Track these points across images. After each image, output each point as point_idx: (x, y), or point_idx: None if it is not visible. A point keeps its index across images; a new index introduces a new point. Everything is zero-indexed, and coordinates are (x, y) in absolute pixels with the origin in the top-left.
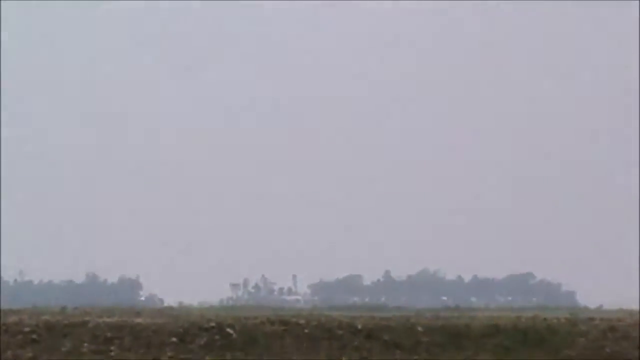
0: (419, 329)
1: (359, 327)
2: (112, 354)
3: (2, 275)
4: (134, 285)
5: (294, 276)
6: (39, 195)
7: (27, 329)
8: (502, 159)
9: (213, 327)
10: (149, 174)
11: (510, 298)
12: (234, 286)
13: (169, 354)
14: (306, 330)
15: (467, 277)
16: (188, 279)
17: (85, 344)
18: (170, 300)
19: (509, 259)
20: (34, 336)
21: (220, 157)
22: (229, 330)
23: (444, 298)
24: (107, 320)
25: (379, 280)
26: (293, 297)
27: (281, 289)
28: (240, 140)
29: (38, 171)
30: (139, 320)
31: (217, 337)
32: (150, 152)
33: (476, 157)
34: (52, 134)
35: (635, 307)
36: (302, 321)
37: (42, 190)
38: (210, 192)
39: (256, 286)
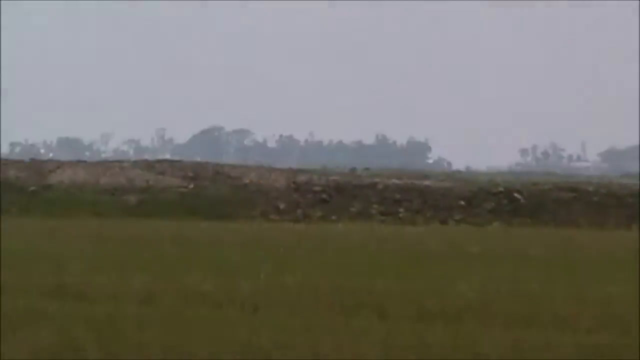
0: None
1: None
2: (400, 215)
3: (293, 135)
4: (423, 148)
5: (583, 143)
6: None
7: (317, 188)
8: None
9: (501, 191)
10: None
11: None
12: (523, 152)
13: (457, 217)
14: (595, 198)
15: None
16: (477, 143)
17: (374, 205)
18: (459, 164)
19: None
20: (324, 196)
21: None
22: (517, 195)
23: None
24: (396, 182)
25: None
26: (582, 164)
27: (570, 156)
28: None
29: None
30: (427, 183)
31: (505, 201)
32: None
33: None
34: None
35: None
36: (591, 188)
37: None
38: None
39: (545, 152)
